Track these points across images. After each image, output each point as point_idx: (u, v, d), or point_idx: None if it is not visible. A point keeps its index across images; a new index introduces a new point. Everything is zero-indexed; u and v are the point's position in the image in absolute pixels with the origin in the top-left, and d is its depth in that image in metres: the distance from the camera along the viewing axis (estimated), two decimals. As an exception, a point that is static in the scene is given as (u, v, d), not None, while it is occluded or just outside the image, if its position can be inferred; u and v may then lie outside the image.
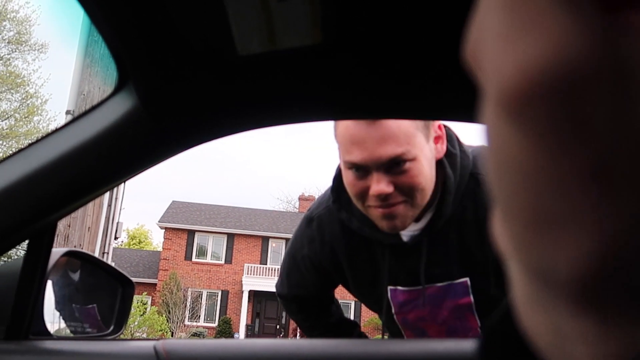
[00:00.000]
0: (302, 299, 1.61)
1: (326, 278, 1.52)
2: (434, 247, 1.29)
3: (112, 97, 0.84)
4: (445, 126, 1.29)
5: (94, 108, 0.87)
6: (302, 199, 35.72)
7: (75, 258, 1.12)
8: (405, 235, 1.29)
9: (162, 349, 0.91)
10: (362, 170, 1.16)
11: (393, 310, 1.41)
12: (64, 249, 1.05)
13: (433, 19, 0.72)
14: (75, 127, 0.87)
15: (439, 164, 1.25)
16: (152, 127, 0.84)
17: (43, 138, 0.90)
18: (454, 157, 1.26)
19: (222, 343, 0.94)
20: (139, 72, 0.79)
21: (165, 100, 0.81)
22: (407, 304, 1.38)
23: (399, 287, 1.37)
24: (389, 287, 1.38)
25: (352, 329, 1.67)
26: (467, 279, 1.32)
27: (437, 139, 1.24)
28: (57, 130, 0.90)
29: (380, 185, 1.14)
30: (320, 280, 1.53)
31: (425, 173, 1.18)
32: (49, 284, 1.01)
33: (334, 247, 1.42)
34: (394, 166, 1.14)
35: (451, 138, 1.29)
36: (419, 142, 1.16)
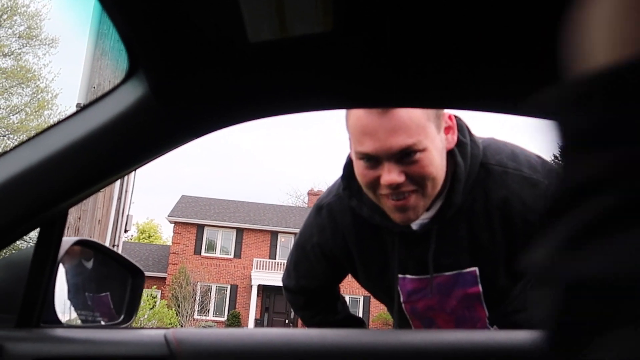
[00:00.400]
0: (310, 291, 1.61)
1: (335, 267, 1.52)
2: (443, 236, 1.30)
3: (123, 85, 0.84)
4: (455, 116, 1.29)
5: (104, 96, 0.87)
6: (311, 193, 35.73)
7: (86, 247, 1.13)
8: (415, 223, 1.29)
9: (172, 337, 0.91)
10: (373, 160, 1.17)
11: (402, 299, 1.41)
12: (75, 238, 1.06)
13: (446, 6, 0.71)
14: (86, 115, 0.87)
15: (450, 153, 1.25)
16: (163, 115, 0.83)
17: (53, 126, 0.90)
18: (464, 146, 1.27)
19: (233, 332, 0.94)
20: (149, 59, 0.79)
21: (176, 88, 0.81)
22: (415, 293, 1.38)
23: (408, 276, 1.37)
24: (398, 276, 1.38)
25: (358, 326, 1.67)
26: (475, 269, 1.31)
27: (447, 129, 1.25)
28: (67, 118, 0.90)
29: (391, 175, 1.15)
30: (329, 269, 1.53)
31: (436, 163, 1.19)
32: (60, 272, 1.01)
33: (344, 234, 1.42)
34: (405, 156, 1.15)
35: (462, 128, 1.30)
36: (430, 133, 1.17)
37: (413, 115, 1.14)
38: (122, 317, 1.17)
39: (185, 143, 0.88)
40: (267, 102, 0.84)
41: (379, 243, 1.38)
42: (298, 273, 1.59)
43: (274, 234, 30.42)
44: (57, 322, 1.01)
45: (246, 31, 0.73)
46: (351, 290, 29.82)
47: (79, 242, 1.07)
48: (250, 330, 0.94)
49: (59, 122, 0.90)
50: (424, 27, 0.75)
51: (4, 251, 0.97)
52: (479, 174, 1.27)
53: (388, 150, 1.14)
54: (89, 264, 1.17)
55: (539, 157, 1.32)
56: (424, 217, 1.28)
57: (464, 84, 0.82)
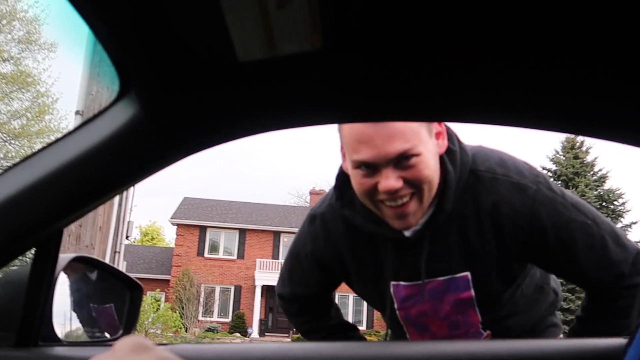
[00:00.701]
0: (304, 298, 1.62)
1: (329, 275, 1.54)
2: (435, 242, 1.31)
3: (115, 105, 0.84)
4: (444, 124, 1.30)
5: (96, 116, 0.87)
6: (313, 193, 35.76)
7: (83, 263, 1.13)
8: (408, 230, 1.31)
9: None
10: (371, 167, 1.19)
11: (396, 306, 1.42)
12: (72, 255, 1.06)
13: (433, 19, 0.71)
14: (79, 135, 0.88)
15: (440, 159, 1.27)
16: (155, 134, 0.84)
17: (47, 147, 0.91)
18: (453, 153, 1.29)
19: (230, 347, 0.94)
20: (140, 80, 0.79)
21: (167, 107, 0.81)
22: (409, 299, 1.40)
23: (402, 282, 1.39)
24: (392, 283, 1.39)
25: (351, 332, 1.69)
26: (468, 273, 1.33)
27: (438, 134, 1.27)
28: (60, 138, 0.90)
29: (389, 180, 1.17)
30: (323, 277, 1.55)
31: (431, 167, 1.22)
32: (58, 289, 1.02)
33: (337, 243, 1.44)
34: (402, 161, 1.17)
35: (451, 136, 1.32)
36: (424, 137, 1.20)
37: (409, 124, 1.17)
38: (120, 332, 1.17)
39: (178, 160, 0.88)
40: (259, 119, 0.85)
41: (372, 250, 1.40)
42: (292, 281, 1.60)
43: (277, 234, 30.46)
44: (56, 340, 1.01)
45: (235, 50, 0.74)
46: (355, 289, 29.82)
47: (76, 259, 1.07)
48: (247, 344, 0.94)
49: (53, 142, 0.90)
50: (412, 40, 0.75)
51: (1, 270, 0.97)
52: (469, 180, 1.30)
53: (385, 156, 1.16)
54: (87, 280, 1.17)
55: (526, 163, 1.35)
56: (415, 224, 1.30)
57: (458, 96, 0.82)
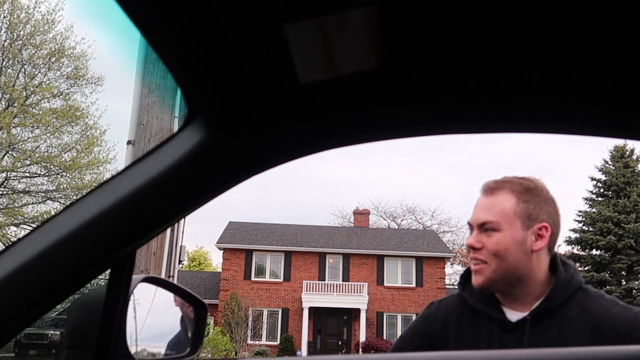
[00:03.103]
0: None
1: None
2: (535, 332, 1.44)
3: (183, 130, 0.89)
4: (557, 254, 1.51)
5: (166, 141, 0.92)
6: (356, 213, 35.67)
7: (152, 283, 1.18)
8: (514, 315, 1.48)
9: None
10: (471, 228, 1.50)
11: None
12: (142, 275, 1.11)
13: (487, 39, 0.74)
14: (150, 160, 0.93)
15: (553, 263, 1.49)
16: (222, 156, 0.88)
17: (119, 173, 0.96)
18: (568, 266, 1.50)
19: None
20: (206, 105, 0.84)
21: (233, 130, 0.86)
22: None
23: None
24: None
25: None
26: None
27: (539, 236, 1.45)
28: (132, 165, 0.96)
29: (471, 238, 1.47)
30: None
31: (506, 246, 1.42)
32: (130, 308, 1.07)
33: (445, 319, 1.58)
34: (485, 229, 1.44)
35: (565, 263, 1.52)
36: (513, 224, 1.43)
37: (503, 203, 1.44)
38: (188, 349, 1.21)
39: (243, 180, 0.92)
40: (320, 137, 0.88)
41: (476, 328, 1.53)
42: None
43: (322, 255, 30.43)
44: (130, 357, 1.06)
45: (296, 73, 0.78)
46: (403, 309, 29.54)
47: (146, 279, 1.12)
48: (312, 358, 0.97)
49: (125, 169, 0.95)
50: (470, 58, 0.77)
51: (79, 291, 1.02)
52: (577, 293, 1.47)
53: (474, 220, 1.47)
54: (156, 300, 1.22)
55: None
56: (522, 313, 1.47)
57: (514, 110, 0.84)
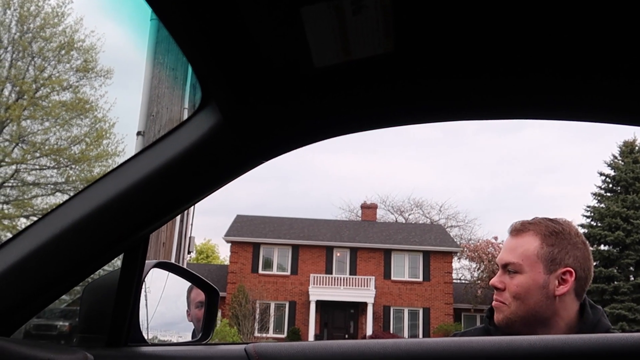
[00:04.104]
0: None
1: None
2: None
3: (197, 115, 0.89)
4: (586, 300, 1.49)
5: (179, 126, 0.92)
6: (364, 207, 35.62)
7: (165, 269, 1.18)
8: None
9: (253, 351, 0.95)
10: (498, 268, 1.53)
11: None
12: (155, 261, 1.12)
13: (501, 22, 0.74)
14: (163, 145, 0.93)
15: (582, 306, 1.47)
16: (236, 140, 0.88)
17: (133, 157, 0.97)
18: (596, 310, 1.48)
19: (310, 345, 0.98)
20: (221, 90, 0.84)
21: (247, 114, 0.86)
22: None
23: None
24: None
25: None
26: None
27: (563, 280, 1.43)
28: (144, 150, 0.96)
29: (495, 278, 1.50)
30: None
31: (527, 289, 1.42)
32: (143, 293, 1.07)
33: None
34: (508, 270, 1.46)
35: (594, 306, 1.50)
36: (535, 267, 1.43)
37: (526, 246, 1.44)
38: (200, 334, 1.22)
39: (257, 166, 0.93)
40: (334, 122, 0.88)
41: None
42: None
43: (330, 249, 30.44)
44: (143, 341, 1.07)
45: (312, 57, 0.78)
46: (409, 303, 29.53)
47: (158, 264, 1.13)
48: (327, 342, 0.97)
49: (139, 153, 0.96)
50: (480, 43, 0.77)
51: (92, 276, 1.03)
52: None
53: (499, 260, 1.50)
54: (168, 285, 1.23)
55: None
56: None
57: (529, 94, 0.84)
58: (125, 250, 1.00)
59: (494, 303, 1.49)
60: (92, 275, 1.03)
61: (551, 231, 1.44)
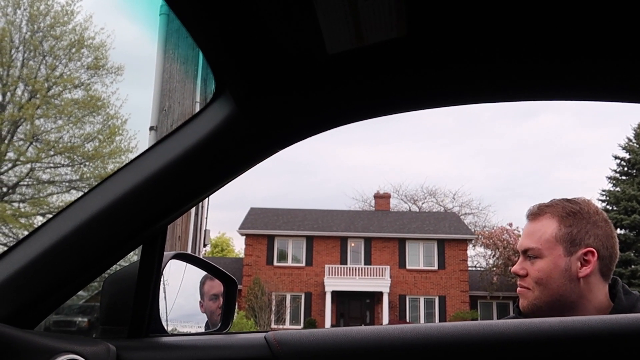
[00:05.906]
0: None
1: None
2: None
3: (211, 105, 0.90)
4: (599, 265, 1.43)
5: (194, 117, 0.93)
6: (377, 196, 35.59)
7: (183, 260, 1.19)
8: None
9: (273, 339, 0.96)
10: (517, 255, 1.52)
11: None
12: (173, 252, 1.13)
13: (516, 4, 0.73)
14: (178, 137, 0.94)
15: (614, 290, 1.43)
16: (251, 129, 0.89)
17: (149, 150, 0.97)
18: (630, 295, 1.44)
19: (330, 331, 0.98)
20: (235, 79, 0.84)
21: (261, 103, 0.86)
22: None
23: None
24: None
25: None
26: None
27: (585, 261, 1.40)
28: (160, 141, 0.97)
29: (516, 265, 1.48)
30: None
31: (548, 273, 1.40)
32: (162, 284, 1.08)
33: None
34: (528, 256, 1.44)
35: (628, 292, 1.45)
36: (555, 251, 1.40)
37: (545, 230, 1.42)
38: (219, 324, 1.23)
39: (272, 154, 0.93)
40: (348, 108, 0.88)
41: None
42: None
43: (344, 240, 30.48)
44: (163, 332, 1.08)
45: (325, 43, 0.78)
46: (425, 292, 29.52)
47: (176, 256, 1.14)
48: (347, 328, 0.98)
49: (154, 146, 0.96)
50: (494, 25, 0.76)
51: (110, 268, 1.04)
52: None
53: (519, 247, 1.49)
54: (186, 277, 1.24)
55: None
56: None
57: (540, 77, 0.84)
58: (144, 242, 1.00)
59: (517, 290, 1.48)
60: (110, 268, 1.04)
61: (568, 212, 1.41)
